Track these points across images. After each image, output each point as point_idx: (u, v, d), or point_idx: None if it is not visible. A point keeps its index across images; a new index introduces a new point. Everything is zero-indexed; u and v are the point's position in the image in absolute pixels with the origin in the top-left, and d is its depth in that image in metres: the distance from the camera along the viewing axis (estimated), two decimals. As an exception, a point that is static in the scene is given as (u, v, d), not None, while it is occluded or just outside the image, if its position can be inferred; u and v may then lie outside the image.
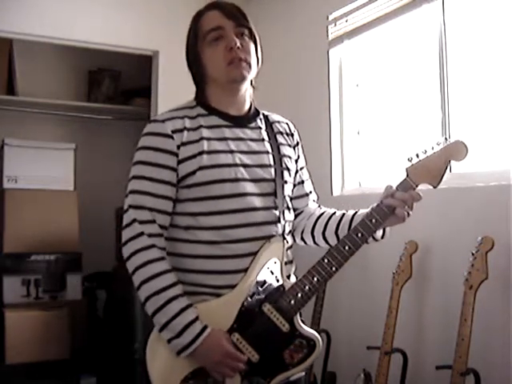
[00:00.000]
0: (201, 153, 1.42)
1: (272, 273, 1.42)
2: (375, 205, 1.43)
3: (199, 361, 1.36)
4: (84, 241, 3.54)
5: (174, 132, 1.43)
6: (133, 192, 1.42)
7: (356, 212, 1.52)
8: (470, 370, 1.94)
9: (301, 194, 1.65)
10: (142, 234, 1.38)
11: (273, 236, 1.44)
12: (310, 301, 1.42)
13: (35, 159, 3.52)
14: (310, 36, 3.22)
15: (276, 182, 1.49)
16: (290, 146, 1.61)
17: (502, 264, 2.02)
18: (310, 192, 1.68)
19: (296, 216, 1.62)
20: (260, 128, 1.55)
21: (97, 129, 4.27)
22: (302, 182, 1.66)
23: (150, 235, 1.38)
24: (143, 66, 3.93)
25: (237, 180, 1.43)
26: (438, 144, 1.42)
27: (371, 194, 2.53)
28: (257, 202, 1.44)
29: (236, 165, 1.44)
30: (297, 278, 1.46)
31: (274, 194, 1.48)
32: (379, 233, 1.48)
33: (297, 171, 1.63)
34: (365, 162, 2.99)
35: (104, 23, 3.50)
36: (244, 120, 1.53)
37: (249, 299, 1.39)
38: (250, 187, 1.44)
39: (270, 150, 1.52)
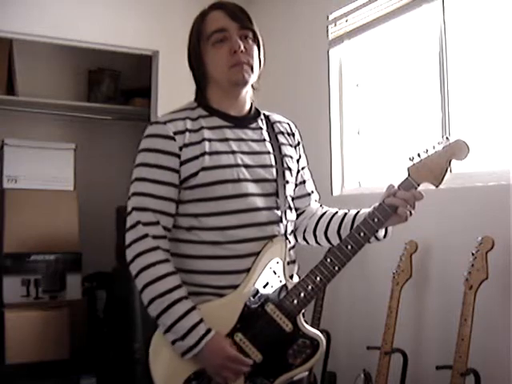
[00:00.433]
0: (203, 154, 1.42)
1: (275, 273, 1.42)
2: (377, 204, 1.43)
3: (202, 363, 1.36)
4: (84, 241, 3.55)
5: (175, 134, 1.42)
6: (136, 194, 1.42)
7: (358, 211, 1.52)
8: (470, 370, 1.94)
9: (302, 194, 1.65)
10: (146, 235, 1.37)
11: (275, 236, 1.44)
12: (313, 300, 1.42)
13: (35, 159, 3.52)
14: (310, 36, 3.23)
15: (278, 182, 1.49)
16: (291, 145, 1.60)
17: (501, 264, 2.02)
18: (312, 192, 1.68)
19: (298, 216, 1.61)
20: (261, 128, 1.55)
21: (97, 129, 4.28)
22: (304, 181, 1.65)
23: (154, 237, 1.38)
24: (143, 66, 3.94)
25: (239, 180, 1.43)
26: (440, 143, 1.42)
27: (371, 194, 2.54)
28: (259, 202, 1.45)
29: (238, 165, 1.44)
30: (299, 277, 1.46)
31: (276, 194, 1.48)
32: (381, 232, 1.48)
33: (298, 171, 1.63)
34: (365, 162, 2.99)
35: (104, 23, 3.51)
36: (245, 121, 1.53)
37: (251, 299, 1.39)
38: (251, 188, 1.44)
39: (271, 151, 1.52)
